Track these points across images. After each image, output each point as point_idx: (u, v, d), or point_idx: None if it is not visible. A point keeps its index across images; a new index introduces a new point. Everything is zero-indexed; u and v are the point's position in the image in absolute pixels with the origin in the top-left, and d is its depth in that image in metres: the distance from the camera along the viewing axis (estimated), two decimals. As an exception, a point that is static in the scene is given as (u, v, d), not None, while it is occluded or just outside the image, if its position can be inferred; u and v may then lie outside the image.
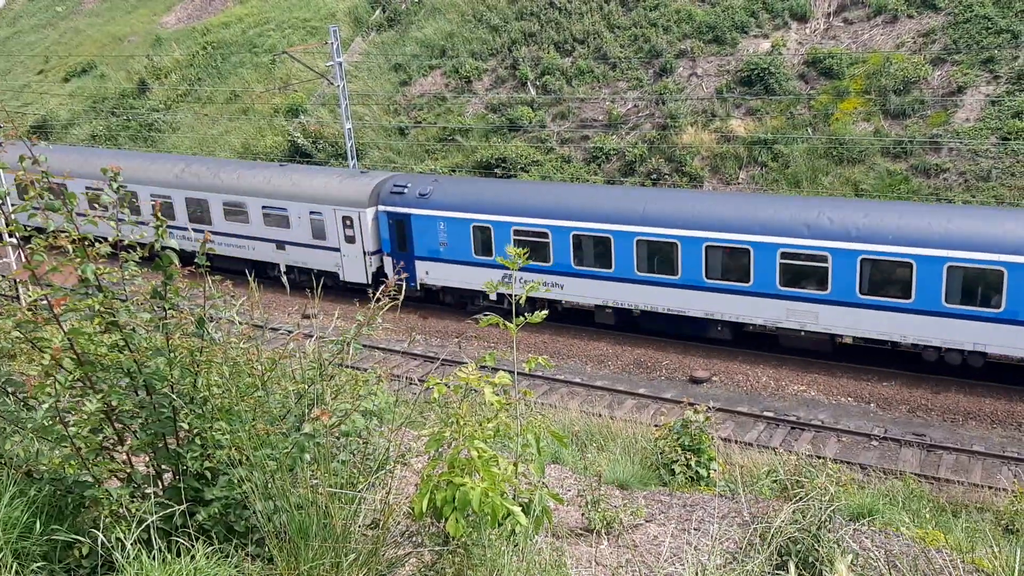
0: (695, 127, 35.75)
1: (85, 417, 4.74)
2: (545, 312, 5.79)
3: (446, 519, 4.88)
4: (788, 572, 3.87)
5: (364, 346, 5.97)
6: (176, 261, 4.87)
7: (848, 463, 18.83)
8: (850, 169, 32.60)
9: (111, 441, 4.94)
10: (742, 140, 34.76)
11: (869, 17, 36.01)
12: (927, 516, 9.00)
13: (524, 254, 5.62)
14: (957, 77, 32.65)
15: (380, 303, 5.58)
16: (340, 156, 39.97)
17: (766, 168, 33.98)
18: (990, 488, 17.60)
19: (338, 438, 5.23)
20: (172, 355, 4.82)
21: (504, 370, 5.72)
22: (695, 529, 7.67)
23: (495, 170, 36.95)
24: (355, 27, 48.00)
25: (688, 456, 10.24)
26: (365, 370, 5.82)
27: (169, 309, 4.89)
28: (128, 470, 4.96)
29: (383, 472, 5.31)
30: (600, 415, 20.63)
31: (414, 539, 5.22)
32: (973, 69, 32.67)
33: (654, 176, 35.09)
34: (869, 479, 16.09)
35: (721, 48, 37.61)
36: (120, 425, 4.94)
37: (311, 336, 6.41)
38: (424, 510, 4.91)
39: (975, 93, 32.36)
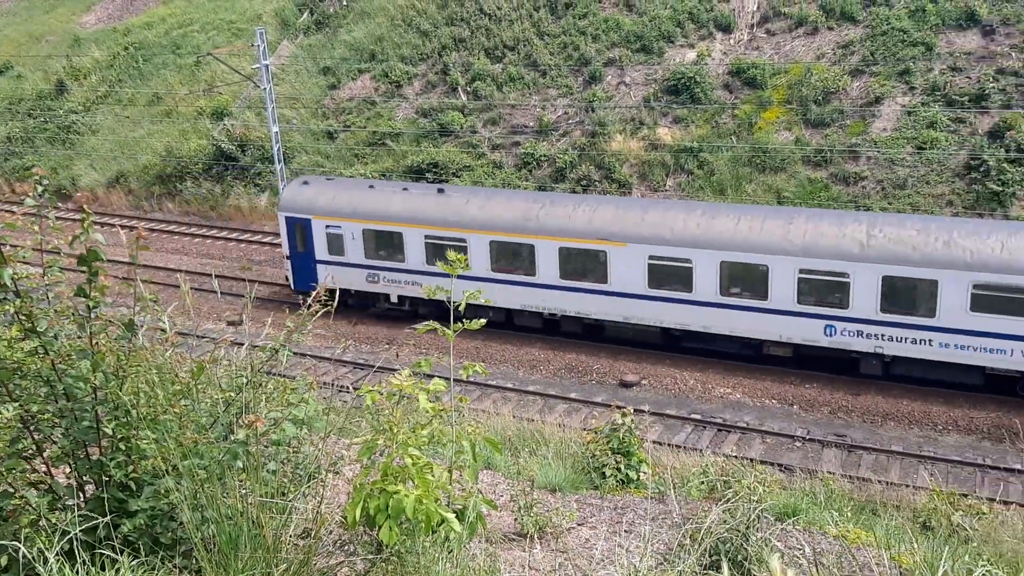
0: (623, 135, 36.21)
1: (1, 425, 4.57)
2: (483, 320, 5.79)
3: (379, 527, 4.83)
4: (721, 572, 3.93)
5: (295, 353, 5.88)
6: (103, 257, 4.73)
7: (773, 464, 19.26)
8: (773, 177, 33.41)
9: (29, 451, 4.77)
10: (669, 148, 35.34)
11: (791, 28, 36.98)
12: (849, 515, 9.25)
13: (464, 260, 5.63)
14: (875, 88, 33.75)
15: (311, 309, 5.51)
16: (267, 160, 39.36)
17: (692, 176, 34.60)
18: (907, 487, 18.18)
19: (267, 447, 5.14)
20: (96, 358, 4.67)
21: (439, 377, 5.70)
22: (626, 531, 7.75)
23: (426, 175, 36.84)
24: (282, 30, 47.36)
25: (618, 459, 10.34)
26: (294, 377, 5.73)
27: (94, 308, 4.74)
28: (49, 480, 4.79)
29: (314, 481, 5.24)
30: (532, 420, 20.69)
31: (347, 548, 5.16)
32: (890, 80, 33.80)
33: (584, 183, 35.42)
34: (793, 479, 16.46)
35: (648, 57, 38.19)
36: (40, 435, 4.77)
37: (242, 343, 6.30)
38: (357, 519, 4.85)
39: (892, 104, 33.49)
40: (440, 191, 28.47)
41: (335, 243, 28.73)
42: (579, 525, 7.94)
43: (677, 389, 24.80)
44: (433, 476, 5.07)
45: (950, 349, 22.01)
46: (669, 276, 24.55)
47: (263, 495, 4.60)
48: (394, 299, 28.88)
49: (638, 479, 10.32)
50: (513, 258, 26.55)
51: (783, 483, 12.08)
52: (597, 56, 38.75)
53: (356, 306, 29.69)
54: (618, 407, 11.55)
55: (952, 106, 32.34)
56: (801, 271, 22.99)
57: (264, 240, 37.51)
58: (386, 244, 28.14)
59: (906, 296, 22.25)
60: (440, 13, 43.50)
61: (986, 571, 4.17)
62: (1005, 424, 21.63)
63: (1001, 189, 30.07)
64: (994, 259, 21.21)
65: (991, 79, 32.20)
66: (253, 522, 4.47)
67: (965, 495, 15.83)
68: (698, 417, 23.18)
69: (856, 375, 23.98)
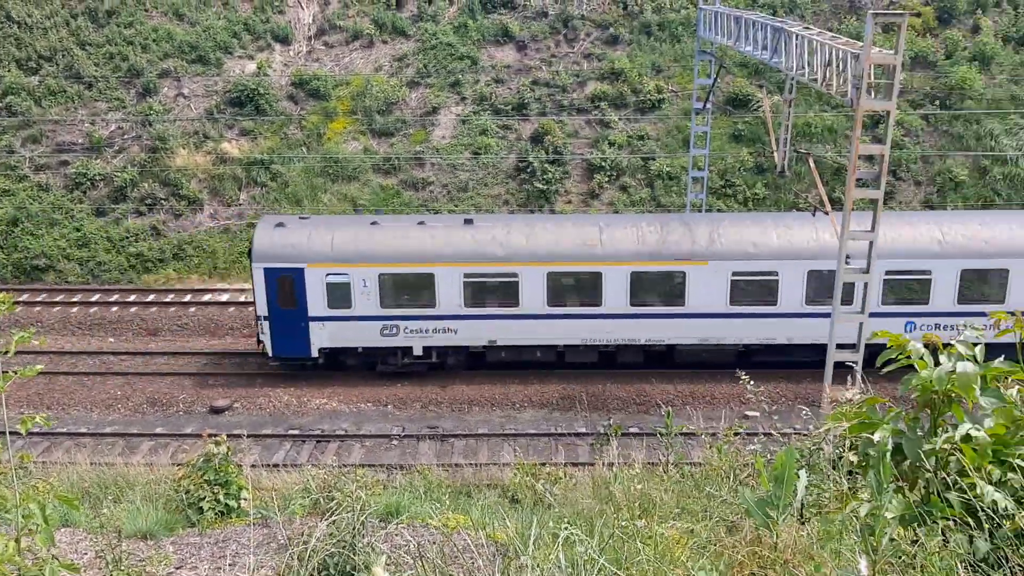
0: (187, 149, 34.54)
1: None
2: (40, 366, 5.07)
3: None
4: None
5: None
6: None
7: (374, 466, 19.64)
8: (347, 186, 34.11)
9: None
10: (239, 161, 34.43)
11: (347, 41, 37.97)
12: (447, 502, 9.71)
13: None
14: (431, 98, 35.93)
15: None
16: None
17: (266, 188, 34.08)
18: (495, 465, 19.64)
19: None
20: None
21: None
22: (230, 565, 7.37)
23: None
24: None
25: (216, 490, 9.82)
26: None
27: None
28: None
29: None
30: (113, 464, 18.90)
31: None
32: (443, 91, 36.20)
33: (149, 201, 33.18)
34: (393, 478, 16.95)
35: (207, 68, 36.80)
36: None
37: None
38: None
39: (447, 113, 35.91)
40: (468, 222, 24.83)
41: (338, 294, 24.09)
42: (177, 569, 7.39)
43: (272, 407, 24.28)
44: (-9, 552, 4.35)
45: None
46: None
47: None
48: (418, 351, 24.80)
49: (239, 507, 9.89)
50: (575, 289, 24.32)
51: (385, 483, 12.36)
52: (150, 67, 36.46)
53: (359, 366, 25.45)
54: (210, 435, 10.96)
55: (499, 114, 35.55)
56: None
57: None
58: (411, 289, 24.29)
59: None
60: (-46, 18, 37.90)
61: (568, 533, 4.57)
62: (569, 394, 24.30)
63: (546, 187, 33.74)
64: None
65: (528, 89, 35.93)
66: None
67: (544, 464, 17.45)
68: (296, 432, 22.91)
69: (447, 370, 25.43)
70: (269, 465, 20.20)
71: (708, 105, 28.88)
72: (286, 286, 24.05)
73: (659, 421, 20.00)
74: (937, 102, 34.99)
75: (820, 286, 23.49)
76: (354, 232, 24.48)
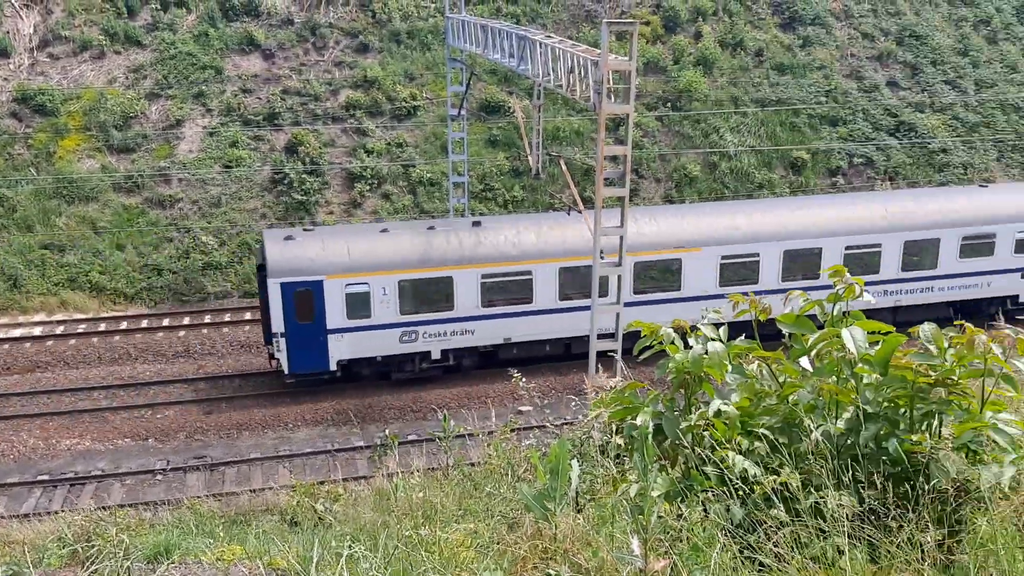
0: None
1: None
2: None
3: None
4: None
5: None
6: None
7: (137, 505, 18.35)
8: (84, 207, 31.65)
9: None
10: (-45, 186, 31.00)
11: (75, 52, 35.20)
12: (222, 534, 9.22)
13: None
14: (174, 111, 34.05)
15: None
16: None
17: (-10, 214, 30.94)
18: (271, 489, 18.95)
19: None
20: None
21: None
22: (-26, 636, 6.57)
23: None
24: None
25: (-49, 555, 8.75)
26: None
27: None
28: None
29: None
30: None
31: None
32: (187, 103, 34.43)
33: None
34: (160, 516, 15.92)
35: (-92, 83, 32.83)
36: None
37: None
38: None
39: (193, 125, 34.19)
40: (476, 224, 25.25)
41: (357, 304, 23.73)
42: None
43: (15, 453, 22.05)
44: None
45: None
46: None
47: None
48: (436, 355, 24.84)
49: (-20, 570, 8.87)
50: (583, 284, 23.94)
51: (151, 522, 11.55)
52: None
53: (375, 376, 25.22)
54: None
55: (249, 125, 34.31)
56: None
57: None
58: (430, 293, 24.29)
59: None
60: None
61: (352, 551, 4.48)
62: (343, 409, 23.91)
63: (305, 198, 33.00)
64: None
65: (279, 99, 34.96)
66: None
67: (323, 483, 17.06)
68: (46, 478, 20.95)
69: (214, 395, 24.21)
70: (18, 516, 18.39)
71: (463, 112, 29.43)
72: (304, 300, 23.58)
73: (437, 426, 20.14)
74: (669, 104, 37.73)
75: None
76: (369, 240, 24.62)
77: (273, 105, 34.75)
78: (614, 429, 5.30)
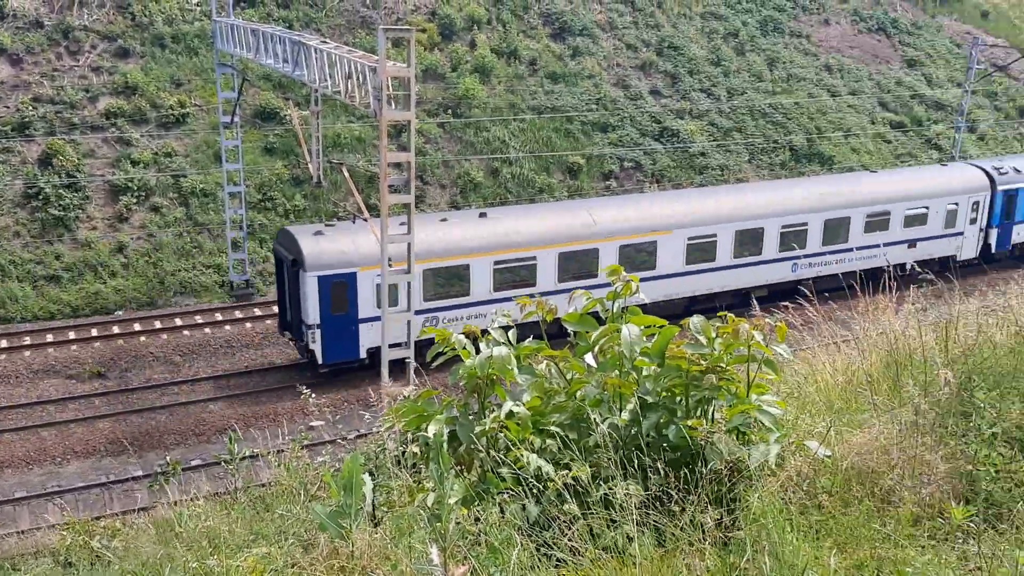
0: None
1: None
2: None
3: None
4: None
5: None
6: None
7: None
8: None
9: None
10: None
11: None
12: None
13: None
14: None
15: None
16: None
17: None
18: (40, 529, 17.39)
19: None
20: None
21: None
22: None
23: None
24: None
25: None
26: None
27: None
28: None
29: None
30: None
31: None
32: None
33: None
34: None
35: None
36: None
37: None
38: None
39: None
40: (482, 215, 27.41)
41: (390, 293, 22.42)
42: None
43: None
44: None
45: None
46: None
47: None
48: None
49: None
50: (580, 266, 26.71)
51: None
52: None
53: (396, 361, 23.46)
54: None
55: (-4, 136, 31.33)
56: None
57: None
58: (449, 280, 25.72)
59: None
60: None
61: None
62: (118, 438, 22.33)
63: (63, 214, 30.53)
64: None
65: (30, 107, 32.16)
66: None
67: (99, 518, 15.85)
68: None
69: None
70: None
71: (236, 119, 28.34)
72: (339, 291, 24.40)
73: (223, 448, 19.26)
74: (449, 111, 38.16)
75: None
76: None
77: (24, 113, 31.92)
78: (409, 439, 5.26)
